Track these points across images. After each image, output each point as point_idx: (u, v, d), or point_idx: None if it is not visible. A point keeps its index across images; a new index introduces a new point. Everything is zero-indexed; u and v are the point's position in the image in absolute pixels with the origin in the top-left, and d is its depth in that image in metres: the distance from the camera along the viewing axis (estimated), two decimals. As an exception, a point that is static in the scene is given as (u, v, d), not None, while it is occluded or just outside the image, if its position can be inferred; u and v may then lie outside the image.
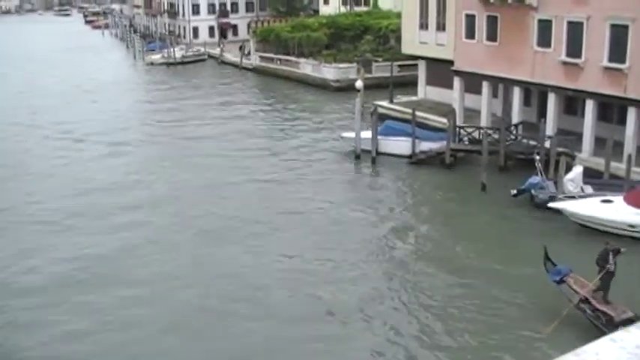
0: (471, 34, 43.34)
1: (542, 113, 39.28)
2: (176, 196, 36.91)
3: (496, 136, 38.20)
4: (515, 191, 33.14)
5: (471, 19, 43.17)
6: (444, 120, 41.14)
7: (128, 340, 22.27)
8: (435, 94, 50.58)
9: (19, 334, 22.98)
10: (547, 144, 36.07)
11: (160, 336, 22.53)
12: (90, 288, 25.97)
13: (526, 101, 41.68)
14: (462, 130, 40.79)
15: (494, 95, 43.85)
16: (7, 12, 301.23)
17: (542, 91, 39.62)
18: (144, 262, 28.23)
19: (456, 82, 44.95)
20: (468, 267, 26.87)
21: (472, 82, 43.87)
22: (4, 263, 28.58)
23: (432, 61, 50.10)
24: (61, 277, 27.05)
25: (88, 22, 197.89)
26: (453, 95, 45.46)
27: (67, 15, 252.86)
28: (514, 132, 39.86)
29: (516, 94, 40.76)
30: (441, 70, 47.69)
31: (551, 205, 30.44)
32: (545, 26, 37.93)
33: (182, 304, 24.67)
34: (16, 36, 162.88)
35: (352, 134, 42.79)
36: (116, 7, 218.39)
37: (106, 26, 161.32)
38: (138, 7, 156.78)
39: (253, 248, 29.38)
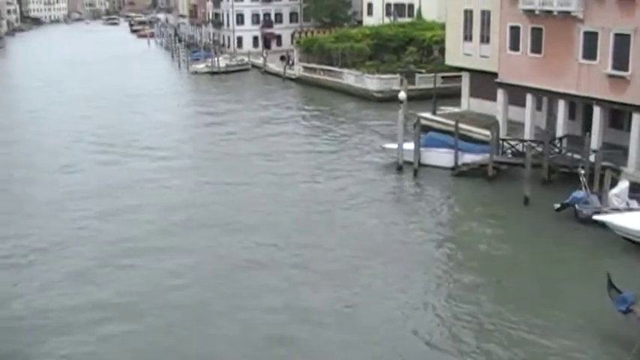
0: (515, 46, 43.01)
1: (587, 126, 38.84)
2: (213, 202, 37.24)
3: (540, 149, 37.82)
4: (558, 205, 32.80)
5: (515, 31, 42.86)
6: (487, 132, 40.87)
7: None
8: (479, 106, 50.27)
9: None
10: (592, 158, 35.64)
11: None
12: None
13: (571, 114, 41.25)
14: (505, 143, 40.40)
15: (539, 108, 43.47)
16: (56, 21, 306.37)
17: (587, 104, 39.13)
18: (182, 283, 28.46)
19: (500, 94, 44.62)
20: (511, 283, 26.62)
21: (516, 94, 43.54)
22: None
23: (475, 73, 49.85)
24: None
25: (133, 31, 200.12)
26: (497, 107, 45.14)
27: (115, 24, 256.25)
28: (558, 145, 39.43)
29: (561, 106, 40.35)
30: (485, 82, 47.40)
31: (596, 217, 30.04)
32: (591, 38, 37.53)
33: (213, 314, 24.79)
34: (64, 44, 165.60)
35: (394, 145, 42.69)
36: (162, 16, 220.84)
37: (152, 35, 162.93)
38: (183, 16, 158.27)
39: (294, 258, 29.45)
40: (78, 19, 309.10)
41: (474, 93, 51.06)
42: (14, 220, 35.48)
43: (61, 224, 34.68)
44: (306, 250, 30.40)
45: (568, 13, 38.23)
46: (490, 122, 42.80)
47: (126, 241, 31.72)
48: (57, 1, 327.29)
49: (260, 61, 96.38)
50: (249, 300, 25.69)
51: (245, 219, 34.54)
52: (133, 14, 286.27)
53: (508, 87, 43.87)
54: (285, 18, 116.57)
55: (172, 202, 37.30)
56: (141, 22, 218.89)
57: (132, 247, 31.03)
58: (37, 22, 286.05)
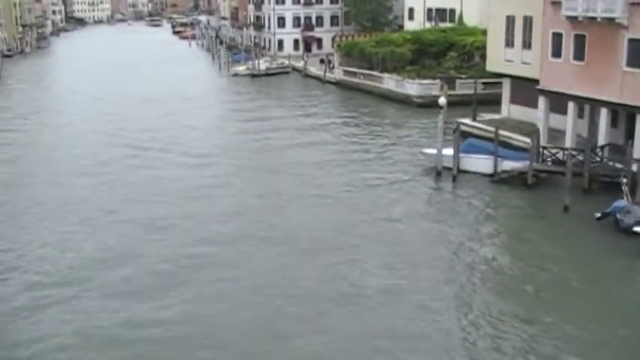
0: (557, 52, 42.63)
1: (630, 135, 38.29)
2: (250, 208, 37.27)
3: (581, 157, 37.42)
4: (599, 215, 32.43)
5: (557, 38, 42.49)
6: (528, 139, 40.52)
7: None
8: (519, 112, 49.88)
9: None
10: (634, 167, 35.19)
11: None
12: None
13: (613, 122, 40.71)
14: (545, 151, 39.99)
15: (580, 116, 42.96)
16: (100, 22, 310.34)
17: (631, 112, 38.61)
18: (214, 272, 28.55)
19: (541, 101, 44.24)
20: (550, 293, 26.28)
21: (557, 101, 43.14)
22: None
23: (516, 80, 49.51)
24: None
25: (175, 33, 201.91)
26: (538, 115, 44.77)
27: (158, 25, 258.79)
28: (600, 154, 38.98)
29: (603, 115, 39.87)
30: (526, 89, 47.05)
31: (637, 229, 29.66)
32: (635, 46, 37.07)
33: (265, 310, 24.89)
34: (107, 45, 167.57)
35: (434, 151, 42.54)
36: (203, 18, 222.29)
37: (193, 37, 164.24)
38: (225, 18, 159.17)
39: (332, 265, 29.43)
40: (121, 20, 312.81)
41: (515, 100, 50.71)
42: (67, 229, 35.71)
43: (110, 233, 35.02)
44: (343, 257, 30.38)
45: (612, 19, 37.79)
46: (531, 129, 42.47)
47: (182, 259, 30.24)
48: (101, 2, 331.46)
49: (300, 64, 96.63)
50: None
51: (280, 225, 34.69)
52: (175, 16, 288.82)
53: (549, 94, 43.47)
54: (326, 21, 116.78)
55: (219, 211, 36.50)
56: (182, 24, 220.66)
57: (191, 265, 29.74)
58: (81, 22, 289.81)
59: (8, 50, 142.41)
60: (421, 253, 30.39)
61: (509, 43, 49.41)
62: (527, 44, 47.66)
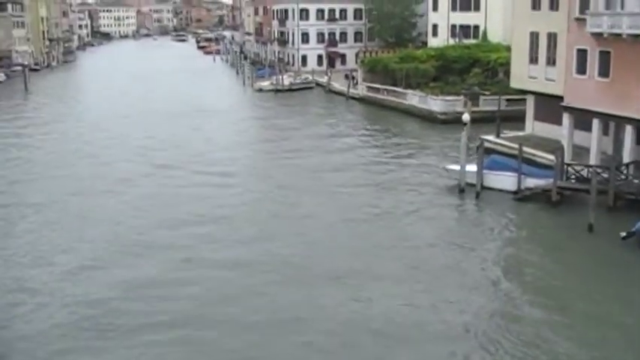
0: (582, 69, 42.46)
1: (656, 153, 38.09)
2: (270, 227, 36.83)
3: (605, 175, 37.14)
4: (624, 233, 32.11)
5: (582, 54, 42.33)
6: (552, 156, 40.26)
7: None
8: (543, 129, 49.65)
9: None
10: (660, 185, 34.90)
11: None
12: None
13: (638, 140, 40.38)
14: (570, 168, 39.71)
15: (605, 133, 42.68)
16: (125, 36, 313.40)
17: (657, 130, 38.39)
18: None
19: (565, 118, 44.01)
20: (575, 315, 25.97)
21: (582, 118, 42.93)
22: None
23: (540, 96, 49.35)
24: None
25: (200, 48, 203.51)
26: (562, 132, 44.53)
27: (184, 41, 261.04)
28: (625, 171, 38.68)
29: (628, 132, 39.57)
30: (550, 106, 46.87)
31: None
32: (661, 63, 36.88)
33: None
34: (132, 59, 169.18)
35: (457, 167, 42.39)
36: (228, 33, 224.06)
37: (217, 52, 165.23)
38: (249, 34, 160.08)
39: (352, 282, 29.32)
40: (146, 35, 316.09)
41: (539, 116, 50.50)
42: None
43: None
44: (359, 263, 30.46)
45: (638, 36, 37.59)
46: (555, 146, 42.19)
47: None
48: (126, 18, 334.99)
49: (324, 79, 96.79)
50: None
51: (300, 238, 34.70)
52: (200, 31, 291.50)
53: (574, 111, 43.25)
54: (350, 37, 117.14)
55: (238, 235, 35.26)
56: (207, 39, 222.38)
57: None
58: (107, 37, 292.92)
59: (35, 64, 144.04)
60: (442, 270, 30.17)
61: (534, 59, 49.28)
62: (551, 61, 47.53)
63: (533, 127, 51.23)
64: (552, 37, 47.04)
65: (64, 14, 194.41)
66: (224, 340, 24.36)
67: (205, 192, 43.29)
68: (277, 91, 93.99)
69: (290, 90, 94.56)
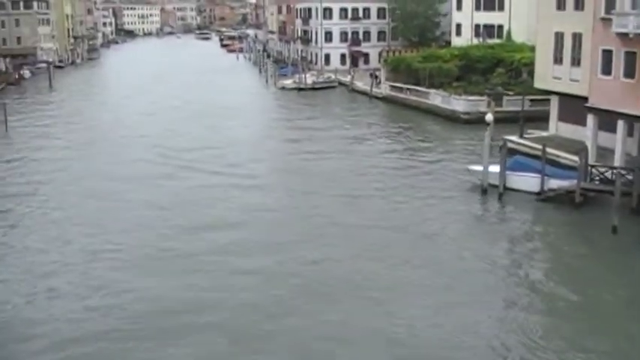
0: (607, 70, 42.11)
1: (681, 155, 37.71)
2: (294, 230, 36.66)
3: (630, 176, 36.84)
4: (648, 235, 31.90)
5: (607, 55, 41.98)
6: (575, 158, 39.98)
7: None
8: (567, 130, 49.33)
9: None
10: (685, 187, 34.56)
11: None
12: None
13: (664, 141, 40.11)
14: (593, 169, 39.42)
15: (630, 134, 42.29)
16: (149, 34, 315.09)
17: (682, 131, 38.02)
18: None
19: (590, 119, 43.68)
20: (598, 318, 25.78)
21: (606, 119, 42.58)
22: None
23: (564, 97, 49.00)
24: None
25: (223, 46, 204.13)
26: (586, 133, 44.18)
27: (207, 39, 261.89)
28: (650, 173, 38.34)
29: (654, 134, 39.30)
30: (574, 106, 46.52)
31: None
32: (687, 64, 36.52)
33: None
34: (156, 56, 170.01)
35: (480, 168, 42.19)
36: (251, 32, 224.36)
37: (241, 50, 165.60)
38: (272, 32, 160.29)
39: (371, 285, 29.26)
40: (170, 33, 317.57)
41: (563, 117, 50.16)
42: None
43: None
44: (383, 270, 30.31)
45: (664, 37, 37.29)
46: (579, 147, 41.90)
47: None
48: (150, 15, 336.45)
49: (347, 78, 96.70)
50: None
51: (319, 240, 34.67)
52: (224, 29, 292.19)
53: (598, 112, 42.92)
54: (373, 36, 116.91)
55: (263, 239, 34.68)
56: (230, 37, 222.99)
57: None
58: (130, 35, 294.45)
59: (60, 61, 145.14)
60: (465, 272, 30.06)
61: (558, 59, 48.95)
62: (576, 61, 47.17)
63: (557, 127, 50.90)
64: (577, 38, 46.71)
65: (89, 12, 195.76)
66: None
67: (226, 194, 42.98)
68: (300, 89, 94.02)
69: (313, 89, 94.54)
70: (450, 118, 65.97)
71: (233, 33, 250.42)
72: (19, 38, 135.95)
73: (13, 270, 30.96)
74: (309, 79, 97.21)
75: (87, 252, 33.00)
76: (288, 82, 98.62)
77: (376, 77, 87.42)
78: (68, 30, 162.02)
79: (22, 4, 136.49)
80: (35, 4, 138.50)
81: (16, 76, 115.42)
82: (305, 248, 33.30)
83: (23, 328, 25.25)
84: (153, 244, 34.01)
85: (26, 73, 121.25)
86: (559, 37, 48.58)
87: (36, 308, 27.02)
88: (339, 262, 31.70)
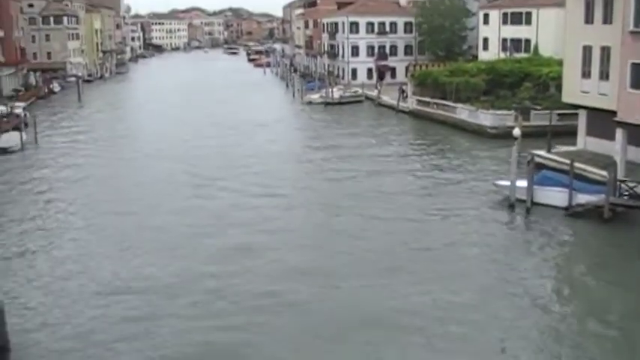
0: (636, 83, 41.76)
1: None
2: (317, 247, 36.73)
3: (660, 192, 36.53)
4: (678, 251, 31.53)
5: (636, 68, 41.64)
6: (604, 172, 39.70)
7: None
8: (596, 145, 48.97)
9: None
10: None
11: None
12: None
13: (694, 157, 39.69)
14: (622, 184, 39.08)
15: (660, 149, 42.00)
16: (177, 49, 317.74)
17: None
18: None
19: (619, 133, 43.35)
20: (628, 338, 25.37)
21: (636, 133, 42.24)
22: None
23: (593, 111, 48.65)
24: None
25: (250, 60, 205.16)
26: (615, 147, 43.84)
27: (235, 53, 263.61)
28: (679, 188, 37.97)
29: (683, 148, 38.90)
30: (603, 121, 46.20)
31: None
32: None
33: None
34: (183, 71, 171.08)
35: (507, 182, 41.97)
36: (278, 46, 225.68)
37: (268, 64, 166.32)
38: (299, 47, 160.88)
39: (398, 297, 29.18)
40: (197, 48, 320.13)
41: (591, 131, 49.79)
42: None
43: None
44: (409, 286, 30.17)
45: (694, 51, 36.97)
46: (607, 162, 41.59)
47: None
48: (178, 30, 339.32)
49: (374, 92, 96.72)
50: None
51: (344, 256, 34.53)
52: (251, 44, 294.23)
53: (627, 126, 42.59)
54: (400, 51, 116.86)
55: (291, 261, 33.93)
56: (257, 52, 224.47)
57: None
58: (158, 49, 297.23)
59: (89, 75, 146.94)
60: (491, 289, 29.85)
61: (586, 73, 48.63)
62: (604, 75, 46.84)
63: (585, 142, 50.55)
64: (606, 51, 46.39)
65: (118, 27, 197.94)
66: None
67: (253, 210, 42.53)
68: (327, 104, 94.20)
69: (339, 103, 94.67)
70: (477, 133, 65.73)
71: (260, 47, 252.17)
72: (49, 53, 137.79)
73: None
74: (336, 93, 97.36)
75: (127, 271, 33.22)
76: (315, 97, 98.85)
77: (403, 91, 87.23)
78: (97, 44, 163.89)
79: (52, 19, 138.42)
80: (65, 19, 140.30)
81: (46, 90, 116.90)
82: (333, 266, 33.23)
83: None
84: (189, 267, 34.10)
85: (56, 87, 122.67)
86: (587, 51, 48.28)
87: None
88: (366, 276, 31.58)
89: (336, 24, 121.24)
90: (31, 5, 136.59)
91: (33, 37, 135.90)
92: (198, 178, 51.68)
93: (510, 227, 39.04)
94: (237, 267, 32.52)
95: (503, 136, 58.39)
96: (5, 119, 73.42)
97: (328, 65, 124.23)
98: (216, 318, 27.19)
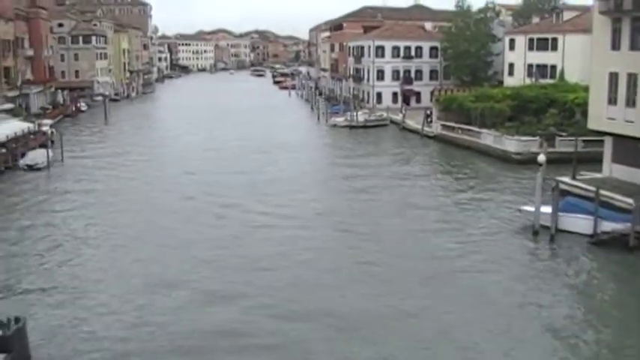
0: (663, 111, 41.58)
1: None
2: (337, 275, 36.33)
3: (686, 220, 36.15)
4: None
5: (663, 97, 41.48)
6: (630, 200, 39.39)
7: None
8: (621, 172, 48.61)
9: None
10: None
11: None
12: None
13: None
14: (648, 212, 38.76)
15: (687, 177, 41.61)
16: (203, 70, 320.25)
17: None
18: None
19: (645, 161, 43.08)
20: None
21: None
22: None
23: (619, 138, 48.38)
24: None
25: (275, 83, 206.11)
26: (641, 175, 43.56)
27: (262, 75, 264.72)
28: None
29: None
30: (629, 148, 45.99)
31: None
32: None
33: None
34: (209, 92, 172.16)
35: (531, 209, 41.75)
36: (303, 69, 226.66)
37: (293, 87, 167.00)
38: (324, 70, 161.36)
39: (418, 324, 29.02)
40: (223, 69, 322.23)
41: (617, 159, 49.45)
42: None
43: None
44: (431, 311, 30.05)
45: None
46: (634, 190, 41.28)
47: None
48: (204, 51, 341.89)
49: (399, 117, 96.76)
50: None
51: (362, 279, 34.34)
52: (278, 66, 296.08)
53: (654, 154, 42.31)
54: (425, 75, 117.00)
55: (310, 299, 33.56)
56: (283, 74, 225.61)
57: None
58: (185, 70, 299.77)
59: (116, 94, 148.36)
60: (514, 316, 29.60)
61: (612, 100, 48.42)
62: (631, 102, 46.62)
63: (611, 169, 50.21)
64: (632, 78, 46.20)
65: (145, 47, 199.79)
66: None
67: (276, 233, 42.26)
68: (351, 127, 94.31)
69: (364, 127, 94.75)
70: (502, 159, 65.53)
71: (285, 70, 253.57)
72: (77, 71, 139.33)
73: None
74: (361, 117, 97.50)
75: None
76: (339, 120, 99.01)
77: (428, 116, 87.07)
78: (124, 64, 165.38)
79: (81, 38, 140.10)
80: (94, 39, 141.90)
81: (73, 109, 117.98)
82: (354, 287, 33.17)
83: None
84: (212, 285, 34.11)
85: (83, 105, 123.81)
86: (613, 78, 48.10)
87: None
88: (387, 296, 31.52)
89: (362, 48, 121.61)
90: (60, 25, 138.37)
91: (62, 55, 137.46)
92: (218, 200, 51.44)
93: (534, 254, 38.69)
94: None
95: (528, 162, 58.26)
96: (32, 137, 74.01)
97: (353, 89, 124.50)
98: None
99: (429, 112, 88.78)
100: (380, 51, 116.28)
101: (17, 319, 23.96)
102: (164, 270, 35.24)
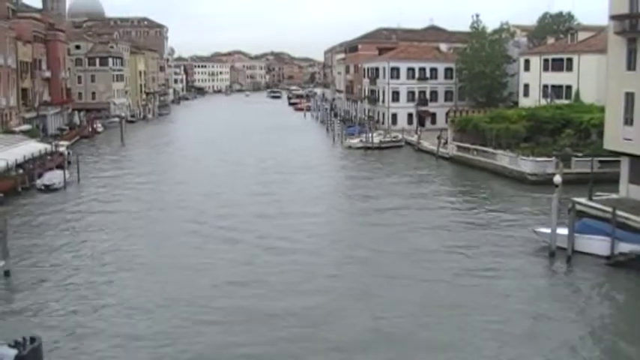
0: (679, 132, 41.38)
1: None
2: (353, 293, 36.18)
3: None
4: None
5: (680, 117, 41.28)
6: (647, 221, 39.17)
7: None
8: (639, 193, 48.32)
9: None
10: None
11: None
12: None
13: None
14: (666, 233, 38.55)
15: None
16: (218, 91, 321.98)
17: None
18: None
19: (662, 182, 42.82)
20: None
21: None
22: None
23: (636, 158, 48.14)
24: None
25: (291, 104, 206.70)
26: (658, 196, 43.29)
27: (278, 97, 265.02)
28: None
29: None
30: (646, 169, 45.70)
31: None
32: None
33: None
34: (224, 114, 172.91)
35: (547, 230, 41.53)
36: (319, 91, 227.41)
37: (308, 109, 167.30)
38: (340, 91, 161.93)
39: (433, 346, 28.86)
40: (239, 90, 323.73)
41: (634, 179, 49.18)
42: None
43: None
44: (447, 332, 29.89)
45: None
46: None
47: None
48: (220, 73, 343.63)
49: (414, 138, 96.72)
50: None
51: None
52: (293, 87, 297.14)
53: (671, 175, 42.07)
54: (441, 96, 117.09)
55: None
56: (298, 96, 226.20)
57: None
58: (200, 91, 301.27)
59: (132, 116, 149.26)
60: (532, 339, 29.32)
61: (629, 121, 48.23)
62: (647, 122, 46.46)
63: (627, 190, 49.93)
64: (649, 98, 46.07)
65: (161, 69, 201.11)
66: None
67: (292, 258, 41.81)
68: (367, 148, 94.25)
69: (379, 148, 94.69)
70: (518, 179, 65.37)
71: (301, 91, 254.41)
72: (93, 93, 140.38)
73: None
74: (376, 138, 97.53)
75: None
76: (354, 142, 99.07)
77: (439, 137, 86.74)
78: (141, 86, 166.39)
79: (98, 60, 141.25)
80: (110, 60, 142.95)
81: (90, 130, 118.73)
82: (370, 307, 33.11)
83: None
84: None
85: (99, 127, 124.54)
86: (629, 98, 47.92)
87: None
88: (402, 318, 31.38)
89: (377, 69, 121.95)
90: (77, 47, 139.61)
91: (79, 77, 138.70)
92: (236, 223, 51.32)
93: (551, 276, 38.49)
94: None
95: (543, 183, 58.09)
96: (49, 157, 74.44)
97: (368, 110, 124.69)
98: None
99: (441, 134, 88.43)
100: (395, 72, 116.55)
101: (32, 339, 23.94)
102: (181, 292, 35.26)
